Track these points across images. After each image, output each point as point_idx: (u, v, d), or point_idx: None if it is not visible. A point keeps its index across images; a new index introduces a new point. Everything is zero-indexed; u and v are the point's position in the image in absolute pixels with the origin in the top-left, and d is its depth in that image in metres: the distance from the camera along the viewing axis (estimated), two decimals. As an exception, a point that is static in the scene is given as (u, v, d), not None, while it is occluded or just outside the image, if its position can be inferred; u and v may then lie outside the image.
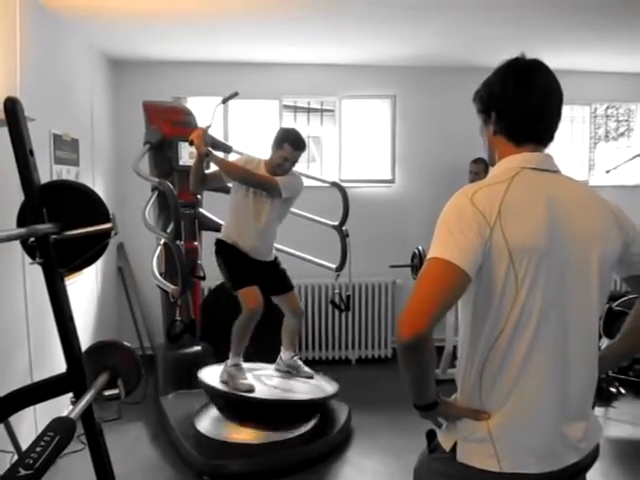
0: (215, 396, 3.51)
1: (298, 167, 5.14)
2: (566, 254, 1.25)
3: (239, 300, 3.31)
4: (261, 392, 3.39)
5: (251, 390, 3.35)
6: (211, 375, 3.54)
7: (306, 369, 3.72)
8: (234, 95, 3.43)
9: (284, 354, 3.70)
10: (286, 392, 3.50)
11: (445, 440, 1.34)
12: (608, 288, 1.34)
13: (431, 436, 1.40)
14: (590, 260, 1.27)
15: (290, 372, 3.70)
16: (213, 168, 3.41)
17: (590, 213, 1.31)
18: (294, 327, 3.64)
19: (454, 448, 1.31)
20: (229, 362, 3.44)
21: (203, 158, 3.20)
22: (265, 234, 3.38)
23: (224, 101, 3.49)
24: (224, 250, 3.39)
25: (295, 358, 3.73)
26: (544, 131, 1.35)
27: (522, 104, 1.32)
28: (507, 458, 1.25)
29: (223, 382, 3.43)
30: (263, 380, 3.57)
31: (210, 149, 3.22)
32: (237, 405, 3.43)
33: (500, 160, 1.35)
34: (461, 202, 1.23)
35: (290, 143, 3.26)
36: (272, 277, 3.49)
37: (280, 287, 3.52)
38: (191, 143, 3.21)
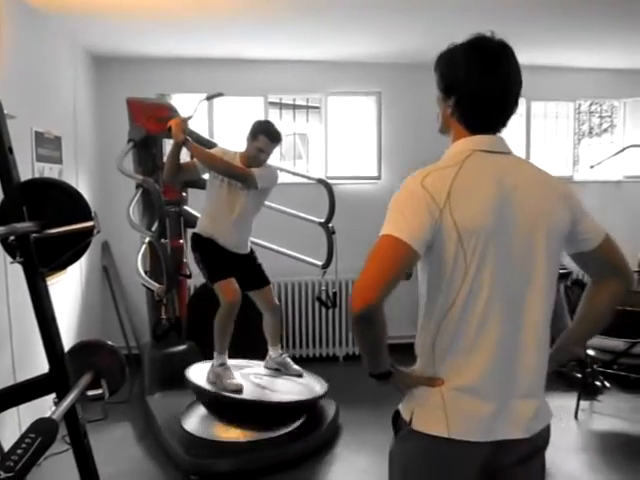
0: (203, 396, 3.49)
1: (284, 163, 5.18)
2: (513, 232, 1.30)
3: (216, 293, 3.30)
4: (249, 392, 3.37)
5: (239, 390, 3.33)
6: (198, 374, 3.52)
7: (295, 367, 3.71)
8: (219, 95, 3.42)
9: (272, 352, 3.70)
10: (274, 393, 3.48)
11: (405, 411, 1.39)
12: (557, 264, 1.39)
13: (396, 417, 1.44)
14: (537, 237, 1.32)
15: (279, 370, 3.69)
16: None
17: (538, 192, 1.35)
18: (274, 323, 3.63)
19: (409, 421, 1.36)
20: (215, 362, 3.42)
21: (180, 147, 3.20)
22: (240, 225, 3.36)
23: (208, 98, 3.48)
24: (200, 245, 3.37)
25: (284, 356, 3.72)
26: (501, 118, 1.37)
27: (483, 96, 1.33)
28: (456, 425, 1.31)
29: (210, 382, 3.40)
30: (251, 379, 3.55)
31: (188, 137, 3.20)
32: (225, 405, 3.42)
33: (454, 142, 1.39)
34: (412, 185, 1.29)
35: (265, 134, 3.25)
36: (248, 271, 3.47)
37: (256, 282, 3.51)
38: (169, 130, 3.19)
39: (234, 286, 3.27)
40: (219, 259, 3.34)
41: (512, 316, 1.32)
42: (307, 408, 3.54)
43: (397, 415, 1.44)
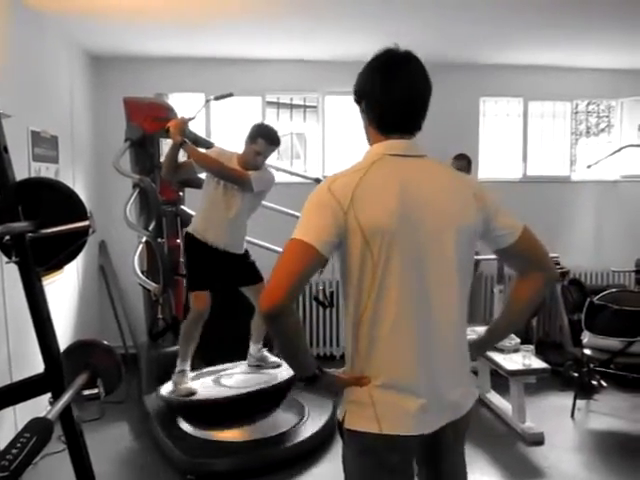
0: (171, 408, 3.50)
1: (281, 163, 5.18)
2: (421, 231, 1.36)
3: (189, 299, 3.37)
4: (205, 393, 3.38)
5: (191, 393, 3.35)
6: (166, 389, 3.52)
7: (273, 359, 3.71)
8: (228, 95, 3.41)
9: (252, 348, 3.70)
10: (232, 388, 3.45)
11: (339, 413, 1.45)
12: (469, 259, 1.46)
13: (340, 425, 1.46)
14: (445, 235, 1.38)
15: (260, 365, 3.70)
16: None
17: (447, 193, 1.42)
18: (261, 321, 3.63)
19: (343, 422, 1.42)
20: (177, 369, 3.45)
21: (177, 147, 3.19)
22: (234, 225, 3.36)
23: (217, 98, 3.47)
24: (190, 247, 3.38)
25: (262, 350, 3.72)
26: (409, 122, 1.44)
27: (385, 101, 1.42)
28: (386, 420, 1.36)
29: (171, 392, 3.42)
30: (221, 381, 3.57)
31: (186, 139, 3.20)
32: (185, 410, 3.44)
33: (370, 146, 1.47)
34: (320, 190, 1.38)
35: (264, 138, 3.25)
36: (242, 269, 3.48)
37: (250, 278, 3.50)
38: (167, 131, 3.19)
39: (206, 298, 3.33)
40: (203, 267, 3.34)
41: (425, 312, 1.38)
42: (265, 396, 3.48)
43: (339, 423, 1.46)
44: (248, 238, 3.63)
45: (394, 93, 1.40)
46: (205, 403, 3.34)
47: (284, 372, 3.58)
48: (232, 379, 3.59)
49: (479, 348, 1.68)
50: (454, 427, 1.46)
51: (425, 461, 1.54)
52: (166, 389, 3.47)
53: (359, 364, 1.40)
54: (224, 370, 3.75)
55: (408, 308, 1.36)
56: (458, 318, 1.44)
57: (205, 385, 3.50)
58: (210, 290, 3.34)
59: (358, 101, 1.48)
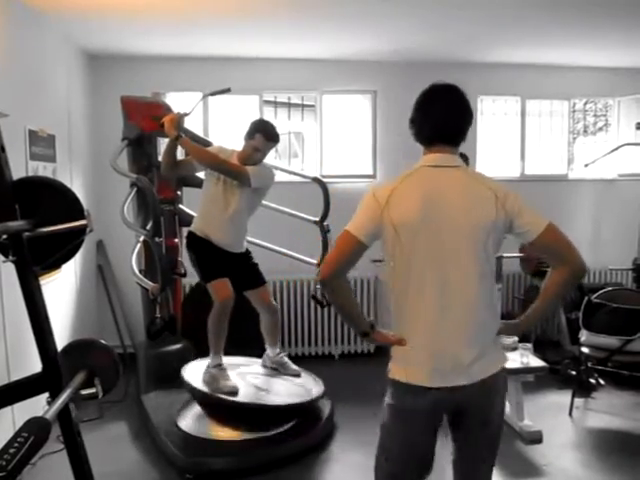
0: (198, 397, 3.48)
1: (280, 162, 5.18)
2: (441, 225, 1.74)
3: (210, 293, 3.30)
4: (245, 394, 3.35)
5: (235, 392, 3.31)
6: (194, 374, 3.50)
7: (293, 367, 3.69)
8: (225, 91, 3.39)
9: (269, 351, 3.68)
10: (270, 395, 3.45)
11: (389, 367, 1.86)
12: (487, 248, 1.77)
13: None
14: (462, 227, 1.74)
15: (277, 369, 3.68)
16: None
17: (468, 195, 1.78)
18: (272, 323, 3.61)
19: (387, 373, 1.86)
20: (210, 363, 3.41)
21: (174, 142, 3.18)
22: (234, 223, 3.35)
23: (213, 94, 3.45)
24: (195, 244, 3.36)
25: (281, 355, 3.70)
26: (448, 138, 1.83)
27: (424, 122, 1.85)
28: (411, 373, 1.78)
29: (206, 383, 3.39)
30: (248, 379, 3.54)
31: (181, 133, 3.18)
32: (220, 407, 3.40)
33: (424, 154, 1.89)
34: (368, 195, 1.82)
35: (262, 133, 3.24)
36: (243, 271, 3.46)
37: (252, 281, 3.50)
38: (162, 126, 3.18)
39: (227, 286, 3.27)
40: (213, 259, 3.32)
41: (445, 289, 1.74)
42: (303, 410, 3.52)
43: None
44: (247, 237, 3.63)
45: (431, 116, 1.82)
46: (248, 407, 3.29)
47: (314, 388, 3.59)
48: (263, 381, 3.56)
49: (512, 328, 2.01)
50: (478, 391, 1.76)
51: (452, 425, 1.90)
52: (194, 378, 3.42)
53: (397, 328, 1.82)
54: (242, 366, 3.71)
55: (428, 284, 1.74)
56: (477, 292, 1.77)
57: (242, 384, 3.46)
58: (228, 277, 3.27)
59: (411, 127, 1.90)
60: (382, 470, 2.01)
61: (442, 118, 1.81)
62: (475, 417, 1.82)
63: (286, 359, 3.71)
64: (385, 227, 1.75)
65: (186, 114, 3.25)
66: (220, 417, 3.40)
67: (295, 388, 3.56)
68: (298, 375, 3.66)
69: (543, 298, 1.86)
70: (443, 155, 1.82)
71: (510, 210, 1.75)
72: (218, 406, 3.40)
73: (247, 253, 3.52)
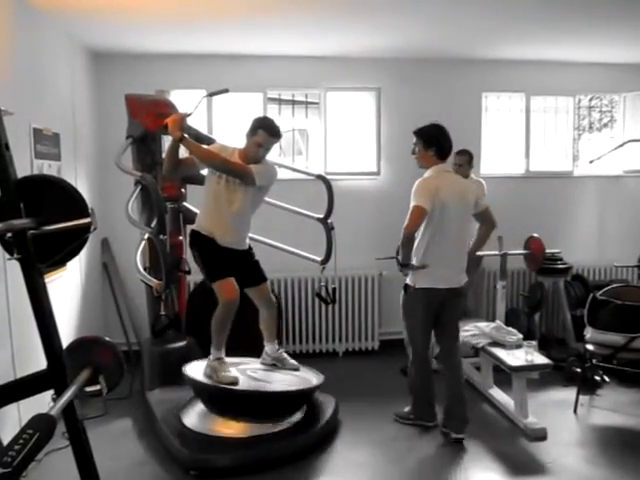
0: (200, 390, 3.49)
1: (284, 159, 5.18)
2: (452, 204, 3.37)
3: (215, 292, 3.31)
4: (245, 385, 3.37)
5: (235, 382, 3.33)
6: (196, 370, 3.52)
7: (291, 361, 3.71)
8: (223, 91, 3.39)
9: (268, 347, 3.69)
10: (270, 384, 3.47)
11: (411, 281, 3.48)
12: (469, 216, 3.52)
13: (406, 287, 3.53)
14: (460, 204, 3.41)
15: (276, 365, 3.69)
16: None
17: (460, 187, 3.51)
18: (270, 319, 3.63)
19: (414, 285, 3.45)
20: (212, 356, 3.42)
21: (177, 143, 3.18)
22: (238, 221, 3.35)
23: (211, 94, 3.44)
24: (198, 242, 3.36)
25: (280, 351, 3.72)
26: (447, 157, 3.51)
27: (443, 148, 3.48)
28: (432, 282, 3.41)
29: (207, 376, 3.41)
30: (248, 373, 3.55)
31: (185, 135, 3.18)
32: (221, 398, 3.42)
33: (432, 166, 3.46)
34: (422, 182, 3.40)
35: (265, 129, 3.24)
36: (246, 268, 3.46)
37: (253, 279, 3.50)
38: (165, 127, 3.18)
39: (233, 285, 3.27)
40: (217, 257, 3.33)
41: (451, 237, 3.41)
42: (304, 398, 3.55)
43: (406, 286, 3.51)
44: (251, 235, 3.63)
45: (442, 145, 3.47)
46: (248, 394, 3.32)
47: (314, 378, 3.62)
48: (262, 375, 3.58)
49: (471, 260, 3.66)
50: (454, 291, 3.47)
51: (440, 307, 3.48)
52: (196, 372, 3.44)
53: (424, 259, 3.39)
54: (242, 364, 3.73)
55: (447, 236, 3.38)
56: (463, 241, 3.51)
57: (241, 376, 3.49)
58: (234, 276, 3.29)
59: (429, 144, 3.44)
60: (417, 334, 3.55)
61: (449, 146, 3.51)
62: (451, 303, 3.50)
63: (284, 354, 3.73)
64: (435, 203, 3.32)
65: (188, 114, 3.25)
66: (223, 410, 3.42)
67: (294, 378, 3.58)
68: (297, 369, 3.68)
69: (477, 239, 3.66)
70: (446, 165, 3.53)
71: (476, 197, 3.52)
72: (220, 398, 3.42)
73: (249, 250, 3.52)
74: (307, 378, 3.61)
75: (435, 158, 3.42)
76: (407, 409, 3.73)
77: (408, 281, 3.47)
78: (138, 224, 3.60)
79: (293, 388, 3.45)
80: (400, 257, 3.40)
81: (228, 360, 3.49)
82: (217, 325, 3.34)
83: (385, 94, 5.26)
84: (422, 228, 3.33)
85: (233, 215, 3.31)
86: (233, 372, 3.42)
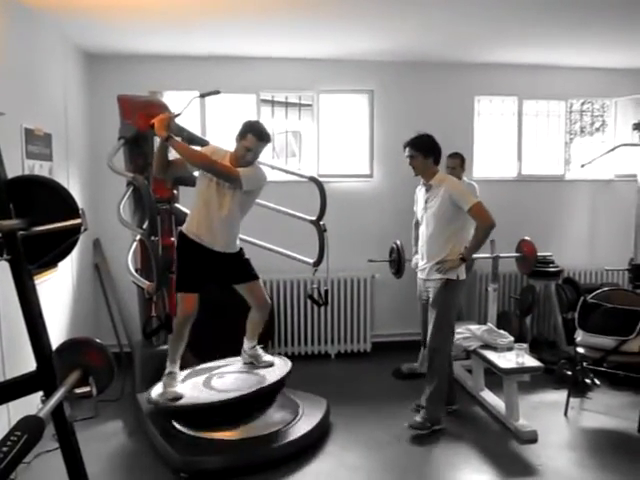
0: (159, 413, 3.48)
1: (276, 161, 5.17)
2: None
3: (177, 301, 3.36)
4: (190, 398, 3.34)
5: (177, 398, 3.34)
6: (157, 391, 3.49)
7: (265, 358, 3.72)
8: (214, 93, 3.39)
9: (246, 344, 3.70)
10: (214, 393, 3.42)
11: (454, 275, 3.60)
12: (445, 212, 3.59)
13: (446, 282, 3.61)
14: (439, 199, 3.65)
15: (252, 363, 3.70)
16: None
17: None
18: (259, 321, 3.63)
19: (457, 278, 3.61)
20: (165, 371, 3.44)
21: (164, 143, 3.17)
22: (227, 224, 3.34)
23: (202, 96, 3.44)
24: (183, 246, 3.37)
25: (256, 347, 3.72)
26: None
27: (439, 157, 3.67)
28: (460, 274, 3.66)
29: (159, 395, 3.40)
30: (212, 381, 3.56)
31: (171, 134, 3.17)
32: (179, 415, 3.43)
33: (434, 173, 3.64)
34: (458, 183, 3.80)
35: (253, 134, 3.24)
36: (235, 267, 3.47)
37: (244, 275, 3.49)
38: (152, 127, 3.17)
39: (194, 301, 3.32)
40: (195, 269, 3.33)
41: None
42: (258, 399, 3.47)
43: (447, 280, 3.58)
44: (244, 237, 3.63)
45: (440, 150, 3.66)
46: (192, 408, 3.32)
47: (275, 372, 3.59)
48: (223, 380, 3.58)
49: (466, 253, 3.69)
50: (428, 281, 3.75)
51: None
52: (156, 391, 3.45)
53: (460, 250, 3.63)
54: (217, 368, 3.75)
55: (463, 230, 3.72)
56: (437, 234, 3.64)
57: (195, 387, 3.48)
58: (199, 292, 3.33)
59: (428, 153, 3.61)
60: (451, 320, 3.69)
61: (440, 153, 3.70)
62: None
63: (260, 351, 3.75)
64: None
65: (176, 115, 3.24)
66: (179, 422, 3.42)
67: (250, 378, 3.54)
68: (271, 365, 3.68)
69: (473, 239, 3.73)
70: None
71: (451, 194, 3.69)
72: (171, 413, 3.43)
73: (239, 251, 3.51)
74: (264, 376, 3.56)
75: (434, 165, 3.64)
76: (418, 418, 3.62)
77: (449, 276, 3.54)
78: (130, 225, 3.59)
79: (238, 393, 3.37)
80: (475, 251, 3.69)
81: (216, 364, 3.48)
82: (174, 334, 3.39)
83: (378, 97, 5.27)
84: (455, 222, 3.58)
85: (222, 219, 3.29)
86: (179, 387, 3.43)
